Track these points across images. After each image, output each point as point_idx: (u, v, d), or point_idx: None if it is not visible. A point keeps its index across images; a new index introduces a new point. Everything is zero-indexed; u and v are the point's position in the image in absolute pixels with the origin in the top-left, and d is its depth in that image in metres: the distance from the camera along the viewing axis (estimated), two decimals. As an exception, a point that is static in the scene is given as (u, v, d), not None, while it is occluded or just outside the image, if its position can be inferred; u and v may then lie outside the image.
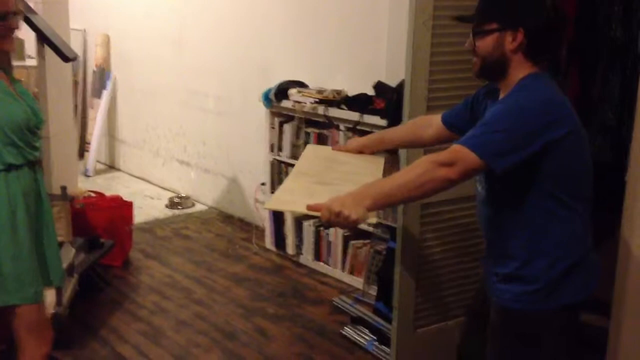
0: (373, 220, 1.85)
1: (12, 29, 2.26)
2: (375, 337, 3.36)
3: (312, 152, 2.58)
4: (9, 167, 2.26)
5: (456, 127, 2.20)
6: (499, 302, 1.99)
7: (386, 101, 3.68)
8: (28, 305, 2.32)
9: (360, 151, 2.45)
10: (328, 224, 1.94)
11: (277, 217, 4.53)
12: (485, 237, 2.07)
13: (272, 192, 4.59)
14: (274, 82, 4.42)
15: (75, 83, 6.63)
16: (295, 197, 2.01)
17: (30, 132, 2.32)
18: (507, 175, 1.80)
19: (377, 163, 2.39)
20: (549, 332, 1.93)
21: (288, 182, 2.17)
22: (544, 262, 1.89)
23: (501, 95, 1.94)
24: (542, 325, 1.93)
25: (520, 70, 1.88)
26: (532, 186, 1.85)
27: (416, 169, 1.80)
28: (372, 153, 2.45)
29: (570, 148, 1.83)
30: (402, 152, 2.87)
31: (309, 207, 1.84)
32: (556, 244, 1.88)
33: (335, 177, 2.19)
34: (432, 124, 2.30)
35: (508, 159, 1.77)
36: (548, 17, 1.85)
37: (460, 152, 1.77)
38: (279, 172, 4.54)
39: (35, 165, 2.38)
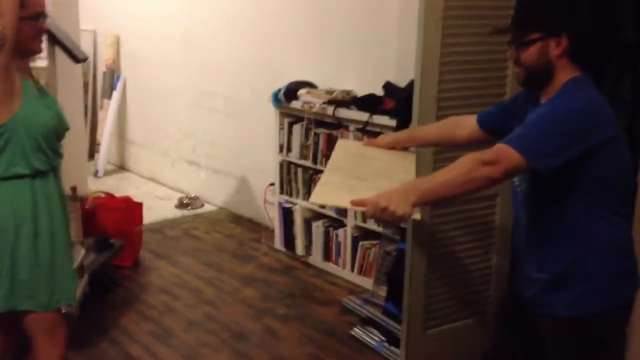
0: (418, 216, 1.85)
1: (43, 30, 2.29)
2: (384, 338, 3.35)
3: (344, 148, 2.58)
4: (35, 173, 2.26)
5: (492, 130, 2.18)
6: (553, 313, 1.93)
7: (395, 101, 3.67)
8: (42, 311, 2.32)
9: (392, 147, 2.45)
10: (373, 219, 1.96)
11: (287, 218, 4.53)
12: (525, 241, 2.03)
13: (281, 193, 4.59)
14: (283, 83, 4.42)
15: (85, 84, 6.66)
16: (336, 191, 2.02)
17: (57, 138, 2.33)
18: (551, 177, 1.81)
19: (409, 159, 2.39)
20: (612, 333, 1.92)
21: (325, 177, 2.17)
22: (596, 260, 1.88)
23: (543, 99, 1.94)
24: (606, 327, 1.91)
25: (564, 74, 1.89)
26: (576, 188, 1.84)
27: (460, 167, 1.80)
28: (403, 149, 2.46)
29: (612, 152, 1.83)
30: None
31: (354, 203, 1.84)
32: (606, 243, 1.88)
33: (369, 172, 2.20)
34: (466, 125, 2.28)
35: (551, 161, 1.77)
36: (591, 20, 1.87)
37: (505, 151, 1.77)
38: (288, 173, 4.54)
39: (57, 171, 2.39)
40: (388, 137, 2.50)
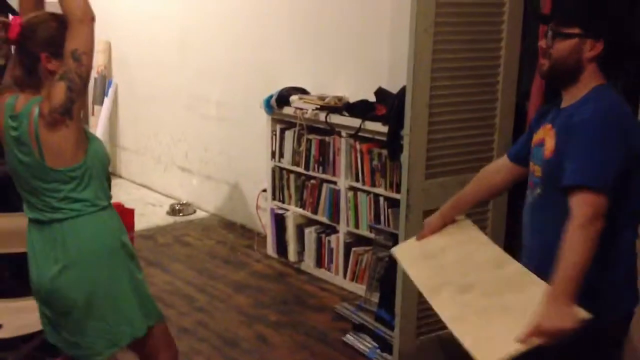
0: (584, 315, 1.73)
1: None
2: (377, 345, 3.35)
3: (407, 254, 2.33)
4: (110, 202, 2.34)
5: (526, 160, 2.12)
6: None
7: (388, 107, 3.67)
8: (161, 323, 2.43)
9: (443, 226, 2.29)
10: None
11: (279, 224, 4.52)
12: (539, 246, 2.00)
13: (274, 199, 4.59)
14: (275, 89, 4.42)
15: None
16: (481, 328, 1.85)
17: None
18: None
19: (468, 227, 2.28)
20: (613, 342, 1.93)
21: (442, 310, 1.96)
22: (619, 269, 1.89)
23: (565, 103, 1.93)
24: (609, 335, 1.91)
25: (590, 79, 1.89)
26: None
27: (577, 244, 1.75)
28: (453, 222, 2.32)
29: None
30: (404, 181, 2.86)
31: (522, 344, 1.71)
32: (622, 251, 1.89)
33: (460, 272, 2.06)
34: (500, 169, 2.24)
35: (613, 179, 1.77)
36: (629, 33, 1.87)
37: (585, 200, 1.75)
38: (280, 179, 4.53)
39: None
40: (436, 220, 2.30)
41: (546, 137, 1.94)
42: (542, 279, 1.90)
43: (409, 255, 2.30)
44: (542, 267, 1.92)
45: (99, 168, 2.24)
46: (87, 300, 2.19)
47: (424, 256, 2.23)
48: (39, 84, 2.12)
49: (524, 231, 2.07)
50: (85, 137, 2.19)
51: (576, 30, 1.87)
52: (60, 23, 2.08)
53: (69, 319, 2.22)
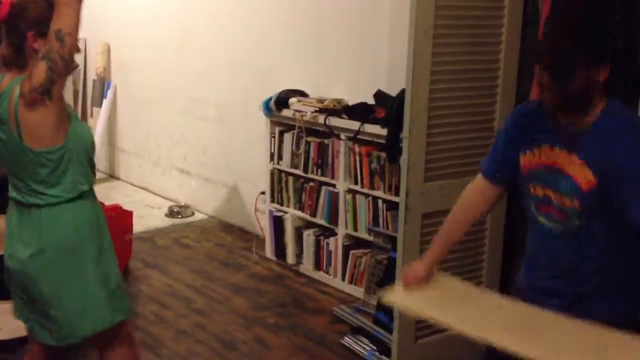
0: None
1: None
2: (375, 348, 3.34)
3: (411, 301, 2.12)
4: (92, 189, 2.32)
5: (503, 177, 2.06)
6: (608, 319, 1.87)
7: (387, 110, 3.67)
8: (129, 321, 2.43)
9: (428, 276, 2.12)
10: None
11: (278, 226, 4.51)
12: (559, 261, 1.97)
13: (272, 202, 4.58)
14: (274, 91, 4.42)
15: (76, 92, 6.64)
16: None
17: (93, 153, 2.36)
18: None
19: (446, 281, 2.16)
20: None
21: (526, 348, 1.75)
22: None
23: (569, 120, 1.85)
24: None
25: (599, 95, 1.82)
26: None
27: None
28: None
29: None
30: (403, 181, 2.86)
31: None
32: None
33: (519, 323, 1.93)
34: (483, 193, 2.10)
35: None
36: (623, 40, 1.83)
37: None
38: (279, 181, 4.53)
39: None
40: (421, 268, 2.12)
41: (569, 167, 1.86)
42: (553, 286, 1.92)
43: (413, 300, 2.10)
44: (568, 279, 1.92)
45: (81, 152, 2.21)
46: (53, 288, 2.21)
47: (442, 302, 2.08)
48: (25, 63, 2.13)
49: (549, 261, 1.98)
50: (68, 120, 2.17)
51: (585, 69, 1.77)
52: (49, 3, 2.08)
53: (35, 303, 2.25)
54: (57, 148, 2.13)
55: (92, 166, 2.31)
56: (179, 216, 5.57)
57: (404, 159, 2.83)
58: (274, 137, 4.48)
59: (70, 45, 2.05)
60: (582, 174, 1.83)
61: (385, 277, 3.53)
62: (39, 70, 2.03)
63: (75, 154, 2.19)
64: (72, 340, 2.27)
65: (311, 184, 4.31)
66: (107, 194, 6.06)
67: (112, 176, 6.79)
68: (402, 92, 3.06)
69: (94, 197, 2.34)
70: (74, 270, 2.23)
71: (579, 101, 1.81)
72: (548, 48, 1.80)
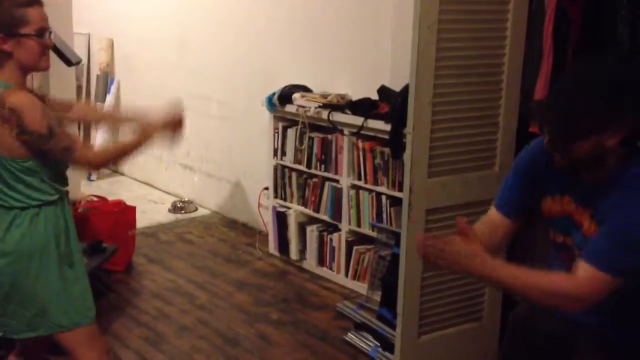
0: None
1: (49, 46, 2.29)
2: (379, 344, 3.34)
3: None
4: (62, 196, 2.34)
5: (521, 212, 2.04)
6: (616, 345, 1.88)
7: (390, 106, 3.66)
8: (92, 324, 2.42)
9: None
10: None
11: (281, 222, 4.50)
12: (613, 329, 1.94)
13: (275, 197, 4.57)
14: (277, 87, 4.41)
15: (79, 87, 6.63)
16: None
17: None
18: None
19: None
20: None
21: None
22: None
23: (598, 179, 1.80)
24: None
25: (615, 156, 1.76)
26: None
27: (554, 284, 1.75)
28: None
29: None
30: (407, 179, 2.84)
31: None
32: None
33: None
34: (498, 228, 2.06)
35: None
36: None
37: (596, 280, 1.70)
38: (282, 177, 4.52)
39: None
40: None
41: (583, 221, 1.84)
42: (584, 319, 1.88)
43: None
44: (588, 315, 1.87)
45: (51, 164, 2.24)
46: (11, 287, 2.25)
47: None
48: None
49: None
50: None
51: (591, 139, 1.71)
52: (19, 5, 2.10)
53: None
54: (21, 161, 2.17)
55: (66, 166, 2.34)
56: (182, 212, 5.57)
57: (407, 155, 2.82)
58: (277, 132, 4.47)
59: (67, 156, 2.22)
60: (591, 230, 1.81)
61: (389, 273, 3.51)
62: (43, 125, 2.11)
63: (47, 159, 2.22)
64: (27, 334, 2.35)
65: (314, 179, 4.30)
66: (110, 189, 6.07)
67: (115, 172, 6.79)
68: (406, 87, 3.05)
69: (62, 203, 2.35)
70: (33, 276, 2.27)
71: (585, 164, 1.78)
72: (548, 117, 1.79)
